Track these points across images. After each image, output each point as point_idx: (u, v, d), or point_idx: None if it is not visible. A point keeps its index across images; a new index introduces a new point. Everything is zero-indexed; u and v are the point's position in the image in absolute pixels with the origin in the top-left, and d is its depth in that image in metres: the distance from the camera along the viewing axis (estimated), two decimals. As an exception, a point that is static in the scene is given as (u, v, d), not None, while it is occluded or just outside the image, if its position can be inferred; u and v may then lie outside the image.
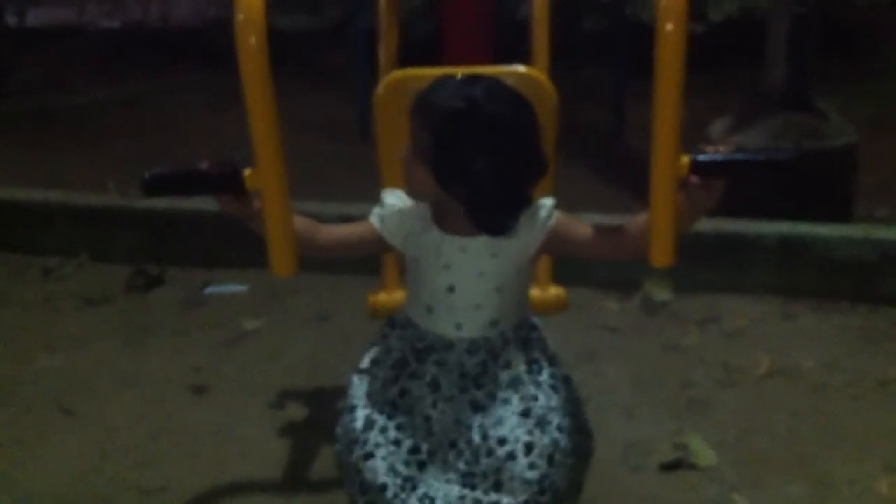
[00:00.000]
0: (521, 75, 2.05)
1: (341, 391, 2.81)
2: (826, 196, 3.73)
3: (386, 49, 2.35)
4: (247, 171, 1.60)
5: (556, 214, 1.74)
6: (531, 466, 1.66)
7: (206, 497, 2.43)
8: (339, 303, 3.51)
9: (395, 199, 1.80)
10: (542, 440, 1.68)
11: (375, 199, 1.84)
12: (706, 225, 3.47)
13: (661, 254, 1.60)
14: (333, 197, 3.91)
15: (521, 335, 1.82)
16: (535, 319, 1.90)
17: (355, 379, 1.87)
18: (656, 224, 1.57)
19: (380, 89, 2.15)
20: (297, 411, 2.82)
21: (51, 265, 3.99)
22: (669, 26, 1.46)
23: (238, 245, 3.36)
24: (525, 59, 2.19)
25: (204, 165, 1.63)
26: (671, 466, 2.45)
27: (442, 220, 1.74)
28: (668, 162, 1.53)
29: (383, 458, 1.71)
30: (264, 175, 1.57)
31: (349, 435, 1.77)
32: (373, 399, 1.80)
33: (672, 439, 2.56)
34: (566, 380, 1.84)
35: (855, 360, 3.02)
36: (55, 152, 5.48)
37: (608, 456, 2.44)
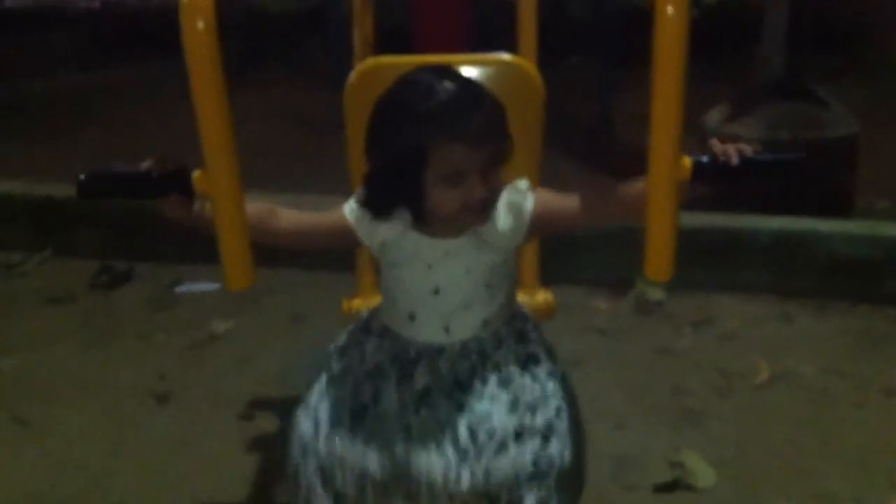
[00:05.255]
0: (505, 63, 1.89)
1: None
2: (827, 189, 3.57)
3: (360, 35, 2.19)
4: (196, 173, 1.42)
5: (533, 196, 1.60)
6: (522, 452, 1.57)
7: (167, 516, 2.27)
8: (314, 303, 3.33)
9: None
10: (535, 423, 1.59)
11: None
12: (701, 221, 3.32)
13: (659, 268, 1.46)
14: (310, 189, 3.75)
15: (515, 328, 1.69)
16: (524, 310, 1.77)
17: (322, 384, 1.71)
18: (653, 235, 1.42)
19: (352, 77, 1.99)
20: (267, 423, 2.65)
21: (13, 260, 3.81)
22: (670, 10, 1.31)
23: (211, 240, 3.17)
24: (509, 45, 2.03)
25: (146, 165, 1.46)
26: (667, 487, 2.29)
27: (424, 223, 1.59)
28: (667, 164, 1.38)
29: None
30: (215, 177, 1.40)
31: (311, 460, 1.63)
32: (339, 414, 1.64)
33: (667, 456, 2.40)
34: (563, 377, 1.71)
35: (857, 365, 2.86)
36: (25, 141, 5.30)
37: (598, 472, 2.27)
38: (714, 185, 1.43)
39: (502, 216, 1.58)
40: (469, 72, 1.84)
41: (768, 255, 3.32)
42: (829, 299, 3.26)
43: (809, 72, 3.77)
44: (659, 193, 1.39)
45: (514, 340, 1.67)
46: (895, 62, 6.57)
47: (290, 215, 1.63)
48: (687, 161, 1.39)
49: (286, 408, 2.68)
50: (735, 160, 1.40)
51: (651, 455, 2.42)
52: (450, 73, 1.53)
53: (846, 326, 3.12)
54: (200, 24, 1.32)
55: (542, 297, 2.11)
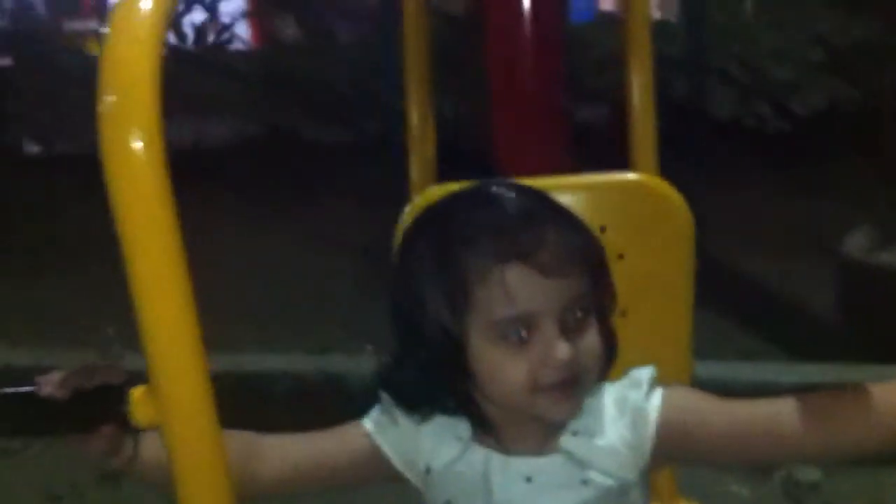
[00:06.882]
0: (638, 185, 1.31)
1: None
2: None
3: (419, 160, 1.77)
4: (136, 391, 0.92)
5: (661, 394, 1.11)
6: None
7: None
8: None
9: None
10: None
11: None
12: (857, 375, 2.69)
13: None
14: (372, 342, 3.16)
15: None
16: None
17: None
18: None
19: (407, 210, 1.51)
20: None
21: (12, 448, 3.18)
22: None
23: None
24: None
25: (48, 385, 0.92)
26: None
27: (489, 430, 1.13)
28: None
29: None
30: (167, 400, 0.83)
31: None
32: None
33: None
34: None
35: None
36: (51, 290, 4.76)
37: None
38: None
39: (609, 421, 1.10)
40: (583, 199, 1.26)
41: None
42: None
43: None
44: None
45: None
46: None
47: (279, 448, 1.17)
48: None
49: None
50: None
51: None
52: (509, 184, 1.17)
53: None
54: (134, 142, 0.78)
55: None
